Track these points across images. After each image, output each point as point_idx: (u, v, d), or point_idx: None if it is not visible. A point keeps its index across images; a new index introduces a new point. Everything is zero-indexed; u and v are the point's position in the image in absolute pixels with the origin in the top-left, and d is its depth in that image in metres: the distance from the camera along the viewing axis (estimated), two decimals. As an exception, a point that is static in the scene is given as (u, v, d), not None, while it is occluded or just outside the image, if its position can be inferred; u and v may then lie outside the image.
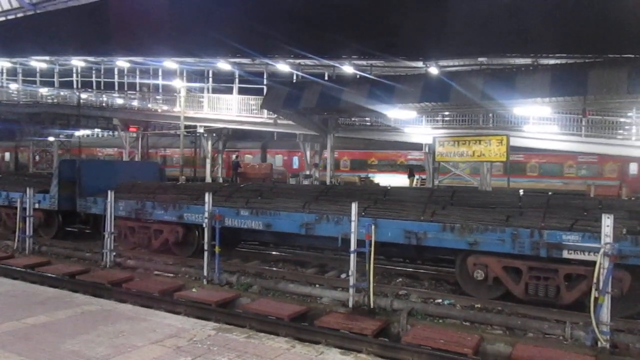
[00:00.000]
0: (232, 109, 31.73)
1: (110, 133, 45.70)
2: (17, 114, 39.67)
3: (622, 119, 23.62)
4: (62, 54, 37.17)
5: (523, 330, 7.50)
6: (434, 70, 24.40)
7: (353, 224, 8.30)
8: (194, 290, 9.54)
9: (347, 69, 29.00)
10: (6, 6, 35.68)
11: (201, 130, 33.32)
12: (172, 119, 34.63)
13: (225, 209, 10.53)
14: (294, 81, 30.62)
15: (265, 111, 28.66)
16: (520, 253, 7.90)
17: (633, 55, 18.07)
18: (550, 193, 11.55)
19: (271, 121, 29.28)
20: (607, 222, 6.75)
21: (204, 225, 10.03)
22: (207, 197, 10.02)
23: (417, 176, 30.67)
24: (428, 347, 6.73)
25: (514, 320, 7.69)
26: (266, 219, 10.25)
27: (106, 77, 40.24)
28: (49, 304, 7.39)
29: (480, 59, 25.20)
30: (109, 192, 11.49)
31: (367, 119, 27.97)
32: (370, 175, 34.45)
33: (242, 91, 33.36)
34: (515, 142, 23.19)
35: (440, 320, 7.93)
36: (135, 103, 36.83)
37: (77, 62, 38.60)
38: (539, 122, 24.33)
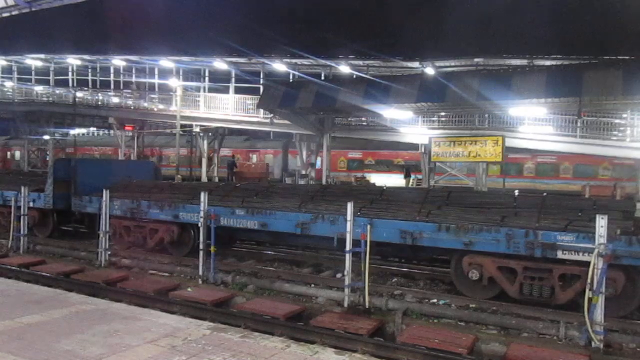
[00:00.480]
0: (229, 109, 31.66)
1: (106, 132, 45.54)
2: (12, 112, 39.46)
3: (616, 120, 23.71)
4: (57, 52, 37.01)
5: (518, 330, 7.53)
6: (430, 71, 24.43)
7: (349, 224, 8.31)
8: (189, 289, 9.52)
9: (344, 68, 29.01)
10: (1, 3, 35.46)
11: (197, 129, 33.23)
12: (168, 118, 34.52)
13: (220, 209, 10.53)
14: (291, 81, 30.58)
15: (262, 110, 28.62)
16: (515, 253, 7.93)
17: (628, 57, 18.15)
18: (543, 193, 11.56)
19: (267, 121, 29.22)
20: (601, 223, 6.78)
21: (200, 225, 10.02)
22: (203, 197, 10.01)
23: (413, 176, 30.70)
24: (423, 346, 6.74)
25: (508, 320, 7.72)
26: (262, 219, 10.25)
27: (102, 76, 40.09)
28: (43, 303, 7.37)
29: (476, 60, 25.25)
30: (104, 191, 11.45)
31: (363, 119, 27.97)
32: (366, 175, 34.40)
33: (238, 90, 33.29)
34: (511, 142, 23.25)
35: (436, 320, 7.96)
36: (131, 102, 36.71)
37: (73, 61, 38.43)
38: (534, 123, 24.39)
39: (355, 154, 35.89)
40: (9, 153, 48.16)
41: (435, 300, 8.67)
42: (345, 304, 8.32)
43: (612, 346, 6.87)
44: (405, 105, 20.75)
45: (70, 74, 40.58)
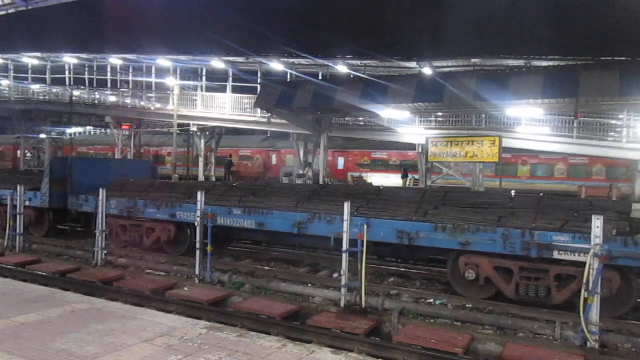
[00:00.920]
0: (226, 108, 31.64)
1: (103, 131, 45.40)
2: (8, 111, 39.32)
3: (613, 121, 23.79)
4: (54, 51, 36.88)
5: (513, 330, 7.55)
6: (427, 71, 24.47)
7: (345, 224, 8.31)
8: (185, 288, 9.51)
9: (341, 68, 29.01)
10: (-3, 2, 35.30)
11: (194, 128, 33.19)
12: (165, 117, 34.47)
13: (217, 208, 10.51)
14: (288, 80, 30.58)
15: (259, 110, 28.60)
16: (511, 253, 7.95)
17: (624, 58, 18.21)
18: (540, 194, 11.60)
19: (264, 120, 29.22)
20: (597, 223, 6.80)
21: (196, 224, 10.01)
22: (200, 196, 10.00)
23: (410, 176, 30.71)
24: (419, 346, 6.76)
25: (504, 320, 7.74)
26: (259, 218, 10.25)
27: (99, 74, 39.98)
28: (39, 302, 7.35)
29: (473, 60, 25.30)
30: (101, 190, 11.42)
31: (360, 118, 27.99)
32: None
33: (235, 90, 33.27)
34: (508, 143, 23.30)
35: (432, 320, 7.97)
36: (128, 100, 36.63)
37: (70, 59, 38.31)
38: (531, 124, 24.45)
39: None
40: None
41: (431, 300, 8.69)
42: (342, 304, 8.32)
43: (608, 346, 6.90)
44: (402, 105, 20.78)
45: (66, 72, 40.47)
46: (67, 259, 12.27)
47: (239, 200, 10.92)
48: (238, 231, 11.49)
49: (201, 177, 33.05)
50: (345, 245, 8.27)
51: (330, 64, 29.62)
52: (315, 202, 10.22)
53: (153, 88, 37.35)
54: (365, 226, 8.32)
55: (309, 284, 9.68)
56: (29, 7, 33.26)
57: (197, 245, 9.95)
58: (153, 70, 37.30)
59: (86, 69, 40.07)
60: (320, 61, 29.62)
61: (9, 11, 33.40)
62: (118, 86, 38.43)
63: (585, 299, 6.76)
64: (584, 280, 6.81)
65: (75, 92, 37.69)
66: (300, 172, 30.82)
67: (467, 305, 8.39)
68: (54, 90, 39.17)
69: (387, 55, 26.71)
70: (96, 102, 37.60)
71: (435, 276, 10.31)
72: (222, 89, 33.60)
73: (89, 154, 44.15)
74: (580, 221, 7.78)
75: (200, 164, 33.89)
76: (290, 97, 22.28)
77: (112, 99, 37.22)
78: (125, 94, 36.83)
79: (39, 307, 7.08)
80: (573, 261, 7.49)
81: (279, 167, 36.38)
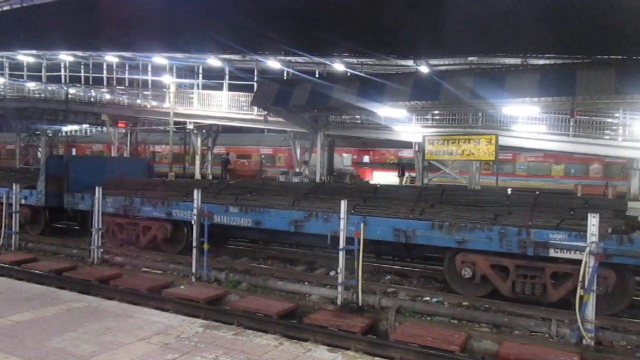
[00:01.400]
0: (222, 106, 31.58)
1: (99, 129, 45.24)
2: (3, 109, 39.14)
3: (609, 120, 23.86)
4: (49, 48, 36.71)
5: (510, 327, 7.57)
6: (424, 69, 24.47)
7: (342, 222, 8.31)
8: (182, 287, 9.50)
9: (338, 66, 28.98)
10: (-8, -1, 35.13)
11: (191, 126, 33.13)
12: (161, 115, 34.37)
13: (214, 206, 10.50)
14: (285, 78, 30.54)
15: (256, 108, 28.57)
16: (507, 251, 7.97)
17: (621, 57, 18.26)
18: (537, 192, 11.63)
19: (261, 118, 29.18)
20: (593, 221, 6.82)
21: (193, 222, 9.99)
22: (196, 194, 9.98)
23: (407, 174, 30.68)
24: (416, 344, 6.77)
25: (501, 317, 7.76)
26: (255, 216, 10.24)
27: (95, 72, 39.84)
28: (35, 300, 7.33)
29: (470, 58, 25.29)
30: (97, 188, 11.39)
31: (357, 116, 27.97)
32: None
33: (232, 88, 33.20)
34: (504, 141, 23.34)
35: (428, 318, 7.98)
36: (124, 98, 36.51)
37: (65, 57, 38.15)
38: (527, 122, 24.49)
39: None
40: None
41: (428, 298, 8.70)
42: (339, 302, 8.33)
43: (603, 344, 6.92)
44: (399, 104, 20.78)
45: (62, 70, 40.31)
46: (63, 257, 12.23)
47: (235, 199, 10.91)
48: (235, 229, 11.48)
49: (198, 176, 33.00)
50: (342, 244, 8.27)
51: (327, 62, 29.58)
52: (312, 201, 10.21)
53: (149, 86, 37.26)
54: (362, 224, 8.32)
55: (306, 282, 9.68)
56: (24, 5, 33.10)
57: (194, 244, 9.94)
58: (149, 68, 37.20)
59: (82, 66, 39.92)
60: (317, 59, 29.58)
61: (4, 8, 33.25)
62: (114, 84, 38.31)
63: (581, 297, 6.79)
64: (580, 278, 6.84)
65: (71, 90, 37.54)
66: (297, 170, 30.81)
67: (464, 303, 8.40)
68: (49, 88, 39.01)
69: (384, 54, 26.70)
70: (92, 100, 37.47)
71: (432, 274, 10.33)
72: (219, 87, 33.54)
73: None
74: (576, 219, 7.80)
75: (197, 162, 33.83)
76: (287, 95, 22.26)
77: (108, 97, 37.10)
78: (121, 92, 36.72)
79: (34, 305, 7.06)
80: (569, 259, 7.51)
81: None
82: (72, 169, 13.50)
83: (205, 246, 9.75)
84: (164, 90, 34.02)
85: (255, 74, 32.88)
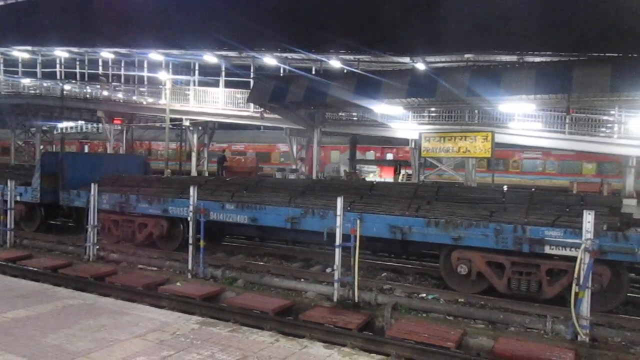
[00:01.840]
0: (219, 102, 31.51)
1: (95, 125, 45.06)
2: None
3: (604, 117, 23.96)
4: (45, 45, 36.52)
5: (505, 324, 7.59)
6: (420, 66, 24.46)
7: (338, 219, 8.31)
8: (178, 284, 9.48)
9: (335, 63, 28.96)
10: (-13, -6, 34.87)
11: (187, 123, 33.04)
12: (157, 112, 34.28)
13: (210, 203, 10.48)
14: (281, 75, 30.50)
15: (252, 105, 28.52)
16: (503, 248, 7.99)
17: (616, 54, 18.31)
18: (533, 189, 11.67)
19: (257, 115, 29.15)
20: (588, 218, 6.85)
21: (189, 219, 9.97)
22: (192, 191, 9.96)
23: (403, 171, 30.65)
24: (412, 340, 6.78)
25: (496, 314, 7.78)
26: (252, 213, 10.23)
27: (90, 68, 39.67)
28: (30, 298, 7.30)
29: (466, 56, 25.33)
30: (93, 185, 11.35)
31: (354, 114, 27.97)
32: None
33: (228, 84, 33.14)
34: (500, 138, 23.39)
35: (424, 315, 8.00)
36: (120, 95, 36.37)
37: (61, 53, 37.95)
38: (523, 119, 24.56)
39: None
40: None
41: (424, 295, 8.72)
42: (335, 299, 8.34)
43: (598, 340, 6.95)
44: (395, 101, 20.79)
45: (57, 66, 40.11)
46: (58, 254, 12.19)
47: (232, 196, 10.89)
48: (231, 226, 11.47)
49: (194, 172, 32.94)
50: (338, 241, 8.28)
51: (324, 59, 29.56)
52: (309, 198, 10.21)
53: (145, 82, 37.13)
54: (358, 221, 8.32)
55: (302, 279, 9.69)
56: (19, 0, 32.86)
57: (190, 241, 9.92)
58: (145, 65, 37.06)
59: (77, 63, 39.73)
60: (314, 56, 29.55)
61: (-1, 4, 33.01)
62: (110, 80, 38.14)
63: (577, 294, 6.82)
64: (575, 275, 6.86)
65: (67, 87, 37.37)
66: (294, 167, 30.80)
67: (460, 300, 8.42)
68: (45, 84, 38.82)
69: (380, 51, 26.70)
70: (88, 96, 37.32)
71: (428, 271, 10.35)
72: (215, 84, 33.46)
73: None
74: (571, 216, 7.83)
75: (193, 159, 33.76)
76: (284, 92, 22.23)
77: (104, 93, 36.95)
78: (116, 88, 36.57)
79: (30, 302, 7.03)
80: (564, 256, 7.55)
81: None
82: (67, 165, 13.45)
83: (202, 243, 9.74)
84: (160, 86, 33.92)
85: (252, 70, 32.82)
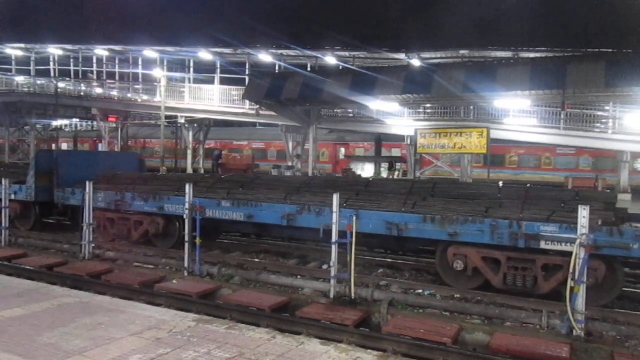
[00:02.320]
0: (214, 99, 31.41)
1: (89, 123, 44.85)
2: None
3: (599, 112, 24.04)
4: (38, 42, 36.31)
5: (501, 319, 7.62)
6: (416, 62, 24.47)
7: (334, 215, 8.31)
8: (174, 281, 9.47)
9: (330, 59, 28.91)
10: (-21, -9, 34.66)
11: (182, 120, 32.93)
12: (152, 109, 34.13)
13: (206, 200, 10.45)
14: (276, 72, 30.42)
15: (247, 102, 28.45)
16: (498, 244, 8.01)
17: (610, 50, 18.35)
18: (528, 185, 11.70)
19: (253, 112, 29.08)
20: (583, 214, 6.87)
21: (185, 217, 9.95)
22: (188, 188, 9.93)
23: (399, 165, 30.60)
24: (408, 336, 6.80)
25: (492, 309, 7.81)
26: (247, 210, 10.21)
27: (84, 66, 39.45)
28: (25, 296, 7.27)
29: (461, 52, 25.35)
30: (88, 182, 11.30)
31: (349, 110, 27.94)
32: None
33: (223, 81, 33.02)
34: (496, 134, 23.44)
35: (421, 310, 8.02)
36: (114, 92, 36.19)
37: (54, 50, 37.72)
38: (518, 115, 24.61)
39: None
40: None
41: (420, 291, 8.73)
42: (331, 295, 8.34)
43: (593, 334, 6.99)
44: (391, 97, 20.77)
45: (51, 63, 39.87)
46: (53, 252, 12.14)
47: (227, 193, 10.87)
48: (227, 223, 11.44)
49: (189, 170, 32.85)
50: (334, 237, 8.27)
51: (319, 56, 29.51)
52: (305, 194, 10.20)
53: (140, 80, 36.96)
54: (354, 218, 8.32)
55: (299, 276, 9.68)
56: (12, -3, 32.59)
57: (186, 238, 9.90)
58: (140, 62, 36.89)
59: (71, 60, 39.50)
60: (309, 52, 29.50)
61: (-9, 1, 32.77)
62: (104, 77, 37.96)
63: (572, 288, 6.85)
64: (570, 270, 6.89)
65: (61, 84, 37.15)
66: (290, 164, 30.76)
67: (456, 296, 8.44)
68: (38, 82, 38.57)
69: (375, 47, 26.68)
70: (82, 94, 37.11)
71: (424, 267, 10.37)
72: (210, 81, 33.34)
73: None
74: (566, 211, 7.85)
75: (189, 157, 33.66)
76: (279, 89, 22.17)
77: (99, 90, 36.76)
78: (111, 85, 36.39)
79: (25, 301, 7.00)
80: (560, 251, 7.57)
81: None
82: (62, 163, 13.38)
83: (198, 240, 9.72)
84: (155, 83, 33.77)
85: (247, 67, 32.72)
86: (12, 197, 13.24)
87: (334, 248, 8.28)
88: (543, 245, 7.65)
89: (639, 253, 7.26)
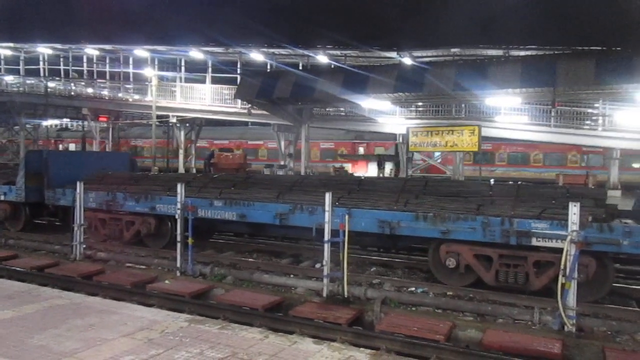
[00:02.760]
0: (205, 99, 31.30)
1: (80, 123, 44.47)
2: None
3: (589, 110, 24.23)
4: (28, 41, 35.98)
5: (493, 316, 7.66)
6: (407, 61, 24.52)
7: (327, 214, 8.31)
8: (167, 282, 9.43)
9: (322, 58, 28.90)
10: (-33, -10, 34.27)
11: (174, 120, 32.79)
12: (143, 109, 33.96)
13: (198, 200, 10.41)
14: (268, 71, 30.36)
15: (239, 101, 28.38)
16: (490, 241, 8.05)
17: (599, 48, 18.50)
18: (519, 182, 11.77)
19: (245, 111, 29.02)
20: (574, 210, 6.92)
21: (177, 217, 9.90)
22: (180, 188, 9.88)
23: (391, 164, 30.65)
24: (401, 334, 6.82)
25: (484, 306, 7.84)
26: (240, 210, 10.19)
27: (75, 65, 39.14)
28: (16, 298, 7.21)
29: (453, 50, 25.43)
30: (78, 183, 11.22)
31: (341, 109, 27.96)
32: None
33: (215, 80, 32.90)
34: (487, 132, 23.56)
35: (414, 308, 8.04)
36: (105, 92, 35.94)
37: (44, 50, 37.39)
38: (510, 113, 24.76)
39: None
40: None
41: (413, 289, 8.76)
42: (324, 294, 8.34)
43: (584, 330, 7.05)
44: (383, 96, 20.81)
45: (41, 63, 39.52)
46: (44, 254, 12.03)
47: (220, 192, 10.84)
48: (220, 223, 11.41)
49: (181, 170, 32.73)
50: (327, 236, 8.27)
51: (311, 54, 29.48)
52: (297, 193, 10.19)
53: (131, 79, 36.74)
54: (346, 216, 8.32)
55: (292, 275, 9.67)
56: (0, -4, 32.24)
57: (178, 238, 9.85)
58: (131, 62, 36.66)
59: (61, 59, 39.18)
60: (301, 51, 29.46)
61: (-21, 0, 32.42)
62: (95, 77, 37.69)
63: (563, 285, 6.90)
64: (562, 266, 6.94)
65: (51, 84, 36.84)
66: (282, 163, 30.73)
67: (448, 293, 8.48)
68: (28, 81, 38.23)
69: (367, 45, 26.70)
70: (72, 93, 36.83)
71: (416, 265, 10.40)
72: (202, 80, 33.21)
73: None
74: (557, 208, 7.91)
75: (181, 156, 33.54)
76: (271, 88, 22.14)
77: (89, 90, 36.50)
78: (102, 85, 36.15)
79: (15, 303, 6.94)
80: (551, 248, 7.62)
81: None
82: (52, 163, 13.27)
83: (190, 240, 9.68)
84: (146, 83, 33.59)
85: (239, 66, 32.63)
86: (2, 198, 13.15)
87: (326, 247, 8.27)
88: (534, 242, 7.70)
89: (629, 249, 7.34)
